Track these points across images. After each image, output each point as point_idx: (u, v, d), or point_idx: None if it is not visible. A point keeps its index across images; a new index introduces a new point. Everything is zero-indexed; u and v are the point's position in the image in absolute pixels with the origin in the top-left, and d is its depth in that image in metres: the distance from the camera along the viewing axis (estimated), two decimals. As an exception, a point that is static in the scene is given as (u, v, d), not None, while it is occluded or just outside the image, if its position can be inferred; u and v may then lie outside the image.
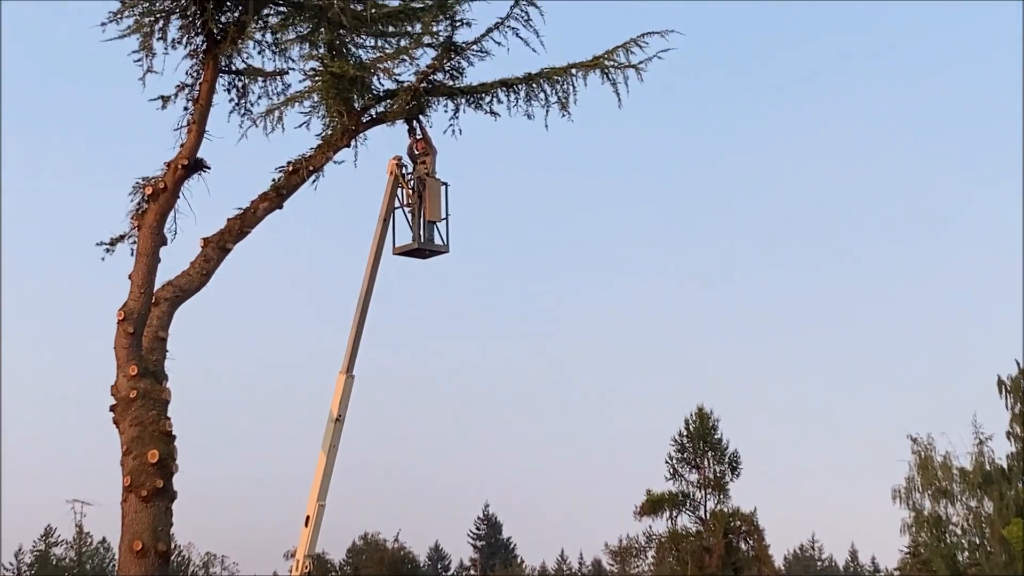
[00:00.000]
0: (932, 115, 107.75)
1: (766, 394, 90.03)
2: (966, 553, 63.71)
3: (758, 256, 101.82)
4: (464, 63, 22.11)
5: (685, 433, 71.70)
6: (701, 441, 71.00)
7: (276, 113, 22.00)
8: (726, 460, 70.59)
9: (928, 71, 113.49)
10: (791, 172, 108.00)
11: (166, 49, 18.47)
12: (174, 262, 19.27)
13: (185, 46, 18.73)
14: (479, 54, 22.06)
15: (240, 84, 20.11)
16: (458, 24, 21.56)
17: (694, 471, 70.59)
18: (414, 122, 23.52)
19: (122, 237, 19.47)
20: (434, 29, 21.45)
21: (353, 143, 21.73)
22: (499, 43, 21.96)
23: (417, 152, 24.98)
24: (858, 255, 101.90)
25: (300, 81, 21.56)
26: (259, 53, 19.80)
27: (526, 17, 21.87)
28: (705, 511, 69.37)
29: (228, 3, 18.30)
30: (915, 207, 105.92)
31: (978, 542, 63.40)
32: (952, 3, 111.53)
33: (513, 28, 21.91)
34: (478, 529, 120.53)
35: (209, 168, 18.95)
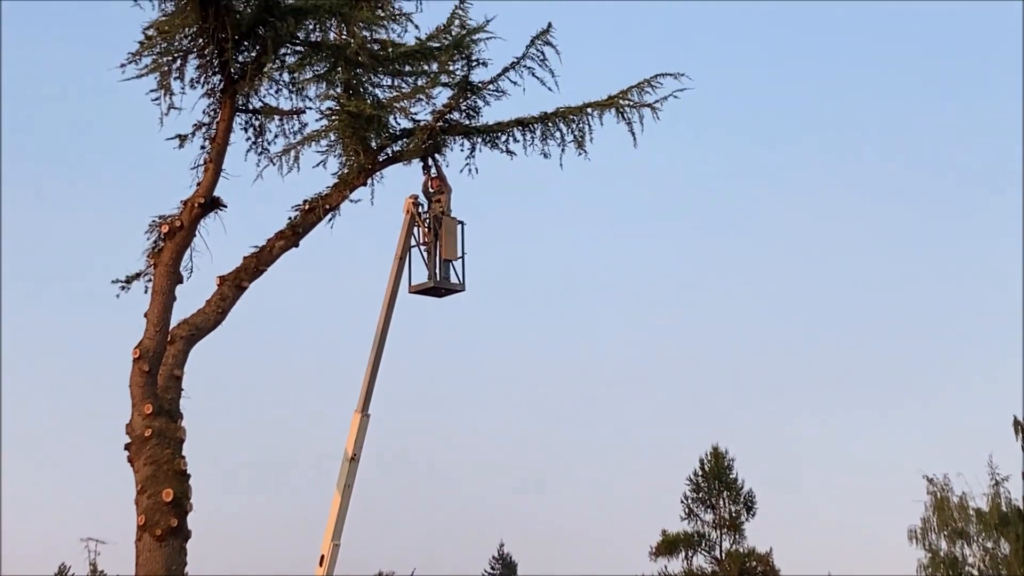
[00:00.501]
0: (939, 154, 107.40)
1: (781, 433, 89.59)
2: (983, 594, 63.26)
3: (771, 294, 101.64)
4: (480, 102, 22.19)
5: (700, 472, 71.30)
6: (716, 480, 70.59)
7: (293, 152, 22.04)
8: (741, 500, 70.15)
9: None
10: (806, 205, 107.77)
11: (184, 88, 18.54)
12: (190, 300, 19.30)
13: (203, 85, 18.80)
14: (495, 93, 22.14)
15: (257, 123, 20.15)
16: (474, 64, 21.64)
17: (709, 511, 70.21)
18: (430, 160, 23.56)
19: (138, 275, 19.47)
20: (451, 68, 21.53)
21: (369, 182, 21.76)
22: (515, 82, 22.05)
23: (432, 190, 25.00)
24: (873, 293, 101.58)
25: (317, 120, 21.64)
26: (276, 92, 19.88)
27: (542, 57, 21.96)
28: (721, 551, 68.92)
29: (246, 43, 18.36)
30: (929, 244, 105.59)
31: (995, 584, 62.96)
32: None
33: (529, 68, 22.01)
34: (493, 568, 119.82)
35: (226, 207, 18.99)
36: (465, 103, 22.08)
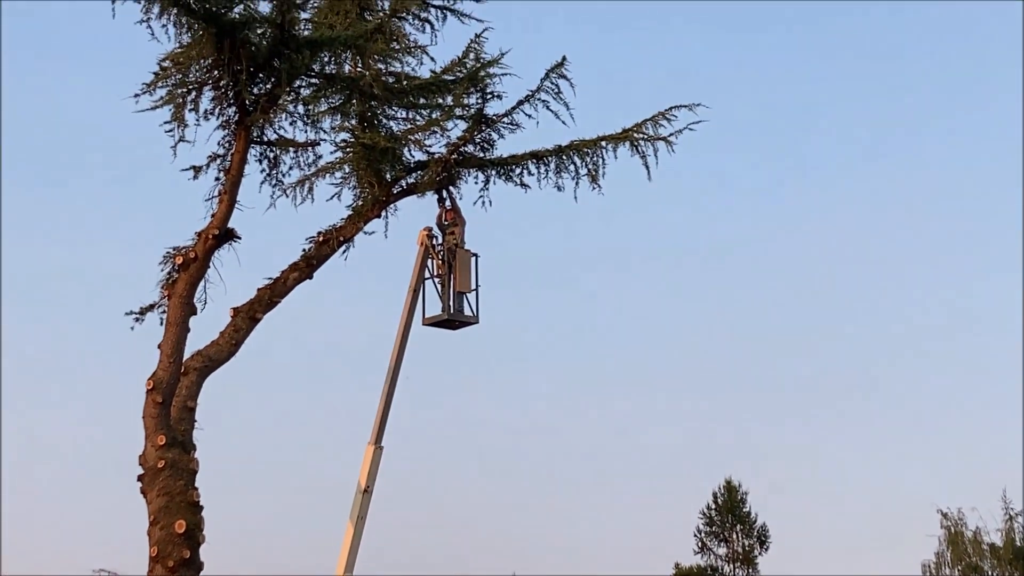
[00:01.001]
0: (944, 184, 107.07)
1: (794, 467, 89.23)
2: (996, 630, 62.90)
3: (784, 329, 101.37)
4: (495, 135, 22.22)
5: (713, 506, 71.09)
6: (730, 514, 70.37)
7: (307, 183, 22.12)
8: (755, 534, 69.93)
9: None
10: (822, 235, 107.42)
11: (198, 120, 18.58)
12: (204, 332, 19.29)
13: (217, 117, 18.83)
14: (510, 126, 22.16)
15: (272, 155, 20.19)
16: (489, 97, 21.67)
17: (723, 545, 69.97)
18: (444, 193, 23.56)
19: (152, 306, 19.47)
20: (465, 101, 21.57)
21: (384, 214, 21.79)
22: (529, 115, 22.08)
23: (446, 222, 25.00)
24: (886, 327, 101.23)
25: (331, 152, 21.74)
26: (291, 124, 19.92)
27: (556, 90, 21.99)
28: (734, 585, 68.71)
29: (261, 75, 18.40)
30: (943, 276, 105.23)
31: (1009, 619, 62.61)
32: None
33: (543, 101, 22.03)
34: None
35: (240, 238, 18.98)
36: (479, 136, 22.11)
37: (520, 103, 21.95)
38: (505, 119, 22.02)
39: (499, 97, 21.70)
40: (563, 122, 22.01)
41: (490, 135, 22.16)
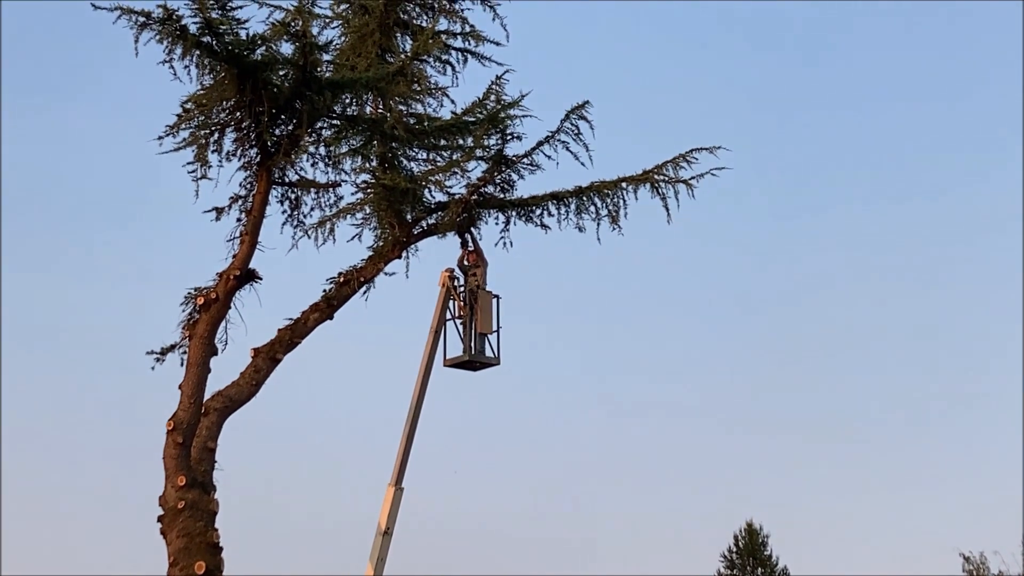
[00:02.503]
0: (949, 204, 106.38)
1: (815, 510, 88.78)
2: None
3: (801, 368, 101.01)
4: (515, 176, 22.23)
5: (734, 549, 70.80)
6: (751, 557, 70.08)
7: (328, 224, 22.17)
8: (776, 576, 69.62)
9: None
10: (841, 268, 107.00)
11: (220, 161, 18.64)
12: (224, 372, 19.29)
13: (239, 158, 18.87)
14: (529, 167, 22.17)
15: (293, 196, 20.21)
16: (509, 138, 21.69)
17: (744, 588, 69.63)
18: (466, 235, 23.57)
19: (173, 347, 19.52)
20: (485, 143, 21.60)
21: (404, 254, 21.81)
22: (549, 156, 22.09)
23: (468, 264, 25.04)
24: (903, 369, 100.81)
25: (352, 193, 21.77)
26: (312, 165, 19.93)
27: (576, 131, 22.01)
28: (756, 629, 68.33)
29: (283, 116, 18.46)
30: (962, 313, 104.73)
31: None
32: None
33: (563, 142, 22.05)
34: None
35: (261, 279, 19.00)
36: (500, 177, 22.13)
37: (540, 144, 21.96)
38: (525, 159, 22.04)
39: (519, 138, 21.73)
40: (582, 163, 22.03)
41: (510, 176, 22.19)
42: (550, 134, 21.98)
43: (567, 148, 22.04)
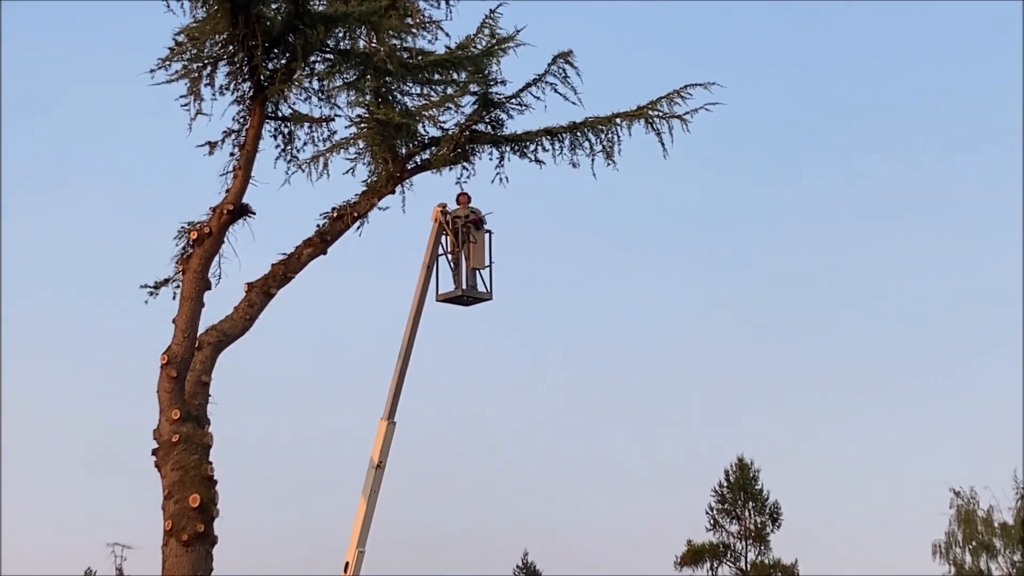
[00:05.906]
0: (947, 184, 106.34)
1: (806, 445, 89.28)
2: (1008, 608, 62.87)
3: (797, 309, 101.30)
4: (504, 115, 22.13)
5: (725, 483, 71.15)
6: (741, 492, 70.43)
7: (322, 159, 22.11)
8: (767, 511, 69.98)
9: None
10: (847, 228, 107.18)
11: (213, 95, 18.57)
12: (218, 307, 19.33)
13: (232, 92, 18.83)
14: (518, 107, 22.06)
15: (286, 130, 20.19)
16: (491, 83, 21.58)
17: (735, 522, 70.04)
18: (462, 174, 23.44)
19: (166, 281, 19.55)
20: (471, 89, 21.51)
21: (399, 189, 21.78)
22: (538, 98, 21.99)
23: (463, 202, 24.96)
24: (900, 309, 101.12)
25: (346, 127, 21.68)
26: (305, 100, 19.89)
27: (563, 75, 21.89)
28: (746, 562, 68.71)
29: (276, 50, 18.39)
30: (960, 268, 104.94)
31: (1021, 597, 62.57)
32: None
33: (551, 84, 21.94)
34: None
35: (254, 213, 19.00)
36: (488, 116, 22.03)
37: (527, 86, 21.87)
38: (513, 100, 21.95)
39: (503, 83, 21.64)
40: (572, 102, 21.92)
41: (499, 115, 22.10)
42: (537, 76, 21.85)
43: (555, 90, 21.92)
